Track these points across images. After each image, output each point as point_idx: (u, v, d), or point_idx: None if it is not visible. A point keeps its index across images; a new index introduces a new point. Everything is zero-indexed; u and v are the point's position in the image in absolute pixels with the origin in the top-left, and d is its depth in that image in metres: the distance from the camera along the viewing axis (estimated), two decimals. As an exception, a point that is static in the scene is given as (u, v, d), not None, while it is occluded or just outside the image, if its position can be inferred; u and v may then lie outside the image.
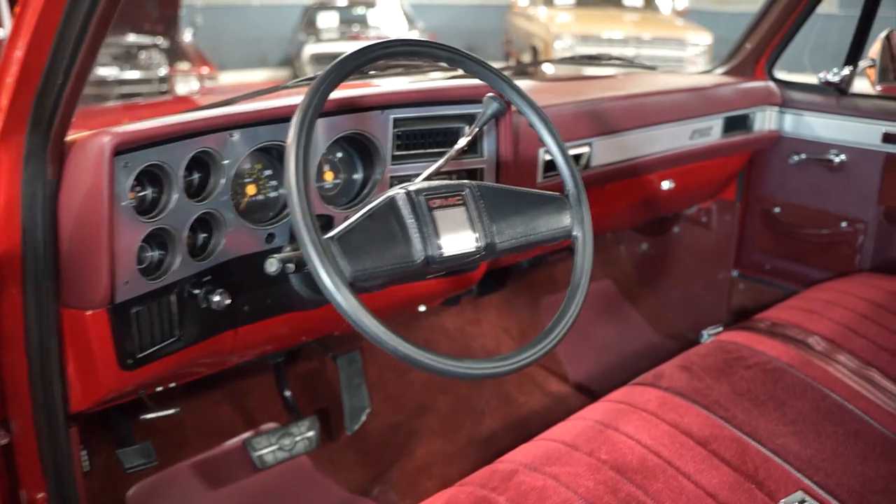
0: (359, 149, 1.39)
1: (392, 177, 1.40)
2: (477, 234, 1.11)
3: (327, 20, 9.84)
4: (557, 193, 1.22)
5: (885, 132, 2.07)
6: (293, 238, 1.29)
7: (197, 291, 1.23)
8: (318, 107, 1.03)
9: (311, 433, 1.80)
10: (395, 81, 1.62)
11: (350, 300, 0.92)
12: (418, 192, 1.08)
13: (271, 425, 1.82)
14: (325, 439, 1.84)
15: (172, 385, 1.43)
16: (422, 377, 2.05)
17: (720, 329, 1.74)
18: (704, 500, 1.14)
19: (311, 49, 9.10)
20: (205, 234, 1.23)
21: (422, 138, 1.44)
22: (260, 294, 1.30)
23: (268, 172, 1.30)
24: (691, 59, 8.63)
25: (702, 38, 8.70)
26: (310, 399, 1.93)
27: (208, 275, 1.24)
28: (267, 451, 1.73)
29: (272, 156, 1.29)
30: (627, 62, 2.33)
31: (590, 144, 1.78)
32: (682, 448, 1.25)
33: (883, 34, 2.14)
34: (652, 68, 2.35)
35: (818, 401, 1.43)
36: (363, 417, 1.87)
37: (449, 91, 1.46)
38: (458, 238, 1.09)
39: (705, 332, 1.73)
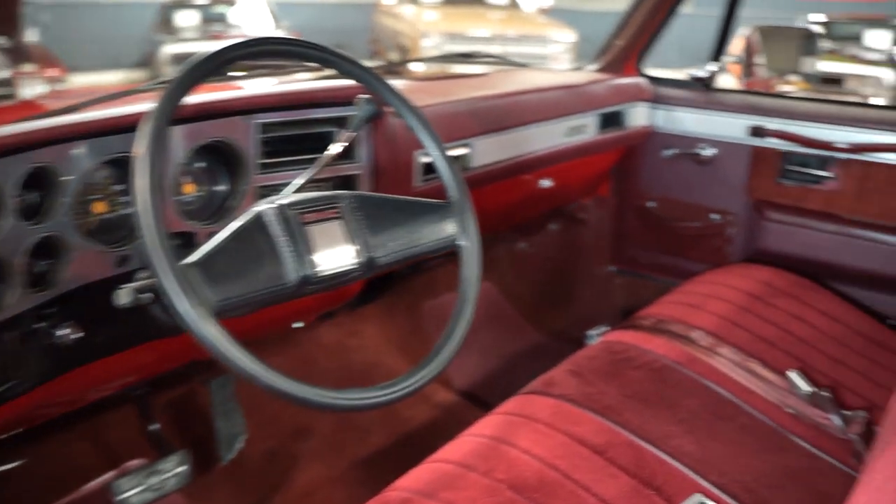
0: (222, 158, 1.27)
1: (260, 187, 1.29)
2: (356, 249, 1.02)
3: (186, 18, 9.44)
4: (440, 201, 1.15)
5: (751, 126, 2.13)
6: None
7: (39, 326, 1.09)
8: (170, 113, 0.91)
9: (181, 468, 1.64)
10: (260, 83, 1.50)
11: (216, 335, 0.81)
12: (290, 205, 0.98)
13: (137, 463, 1.66)
14: (198, 472, 1.69)
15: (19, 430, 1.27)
16: None
17: (606, 329, 1.72)
18: None
19: (169, 49, 8.70)
20: (47, 261, 1.08)
21: (291, 144, 1.34)
22: (115, 324, 1.16)
23: (119, 187, 1.17)
24: (555, 56, 8.83)
25: (565, 36, 8.91)
26: (180, 430, 1.78)
27: (52, 306, 1.09)
28: (133, 493, 1.57)
29: (124, 169, 1.15)
30: (500, 60, 2.30)
31: (469, 145, 1.72)
32: (579, 459, 1.21)
33: (744, 31, 2.20)
34: (524, 65, 2.33)
35: (706, 398, 1.43)
36: (239, 445, 1.74)
37: (319, 93, 1.36)
38: (336, 254, 1.00)
39: (591, 333, 1.72)
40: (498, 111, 1.81)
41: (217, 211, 1.27)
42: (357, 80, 1.16)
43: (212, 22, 9.50)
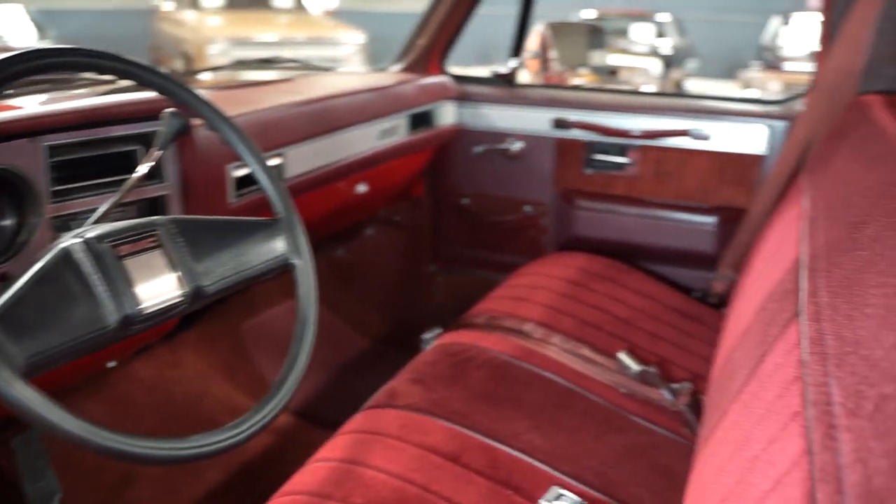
0: (5, 187, 1.11)
1: (54, 217, 1.14)
2: (180, 279, 0.93)
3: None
4: (266, 218, 1.08)
5: (554, 118, 2.20)
6: None
7: None
8: None
9: None
10: (43, 100, 1.33)
11: (30, 398, 0.70)
12: (99, 238, 0.87)
13: None
14: None
15: None
16: None
17: (439, 331, 1.71)
18: None
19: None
20: None
21: (88, 167, 1.20)
22: None
23: None
24: (347, 58, 8.78)
25: (354, 37, 8.89)
26: None
27: None
28: None
29: None
30: (301, 64, 2.22)
31: (282, 155, 1.64)
32: (435, 469, 1.18)
33: (538, 28, 2.27)
34: (329, 69, 2.26)
35: (547, 390, 1.45)
36: None
37: (118, 108, 1.23)
38: (159, 287, 0.90)
39: (426, 337, 1.69)
40: (308, 117, 1.74)
41: (6, 249, 1.11)
42: (161, 92, 1.05)
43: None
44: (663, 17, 11.15)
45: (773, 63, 9.17)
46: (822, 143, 1.75)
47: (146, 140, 1.24)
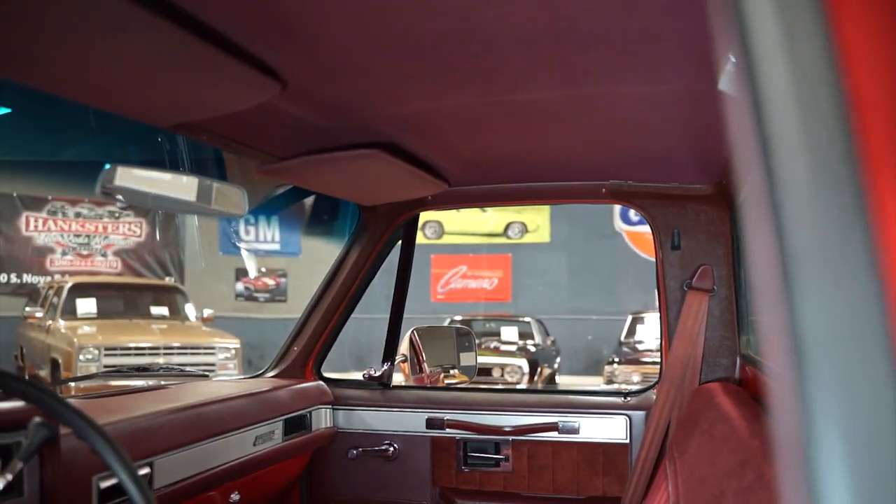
0: None
1: None
2: None
3: None
4: None
5: (428, 418, 2.26)
6: None
7: None
8: None
9: None
10: None
11: None
12: None
13: None
14: None
15: None
16: None
17: None
18: None
19: None
20: None
21: None
22: None
23: None
24: (222, 364, 8.75)
25: (231, 343, 8.95)
26: None
27: None
28: None
29: None
30: (177, 371, 2.23)
31: (151, 465, 1.59)
32: None
33: (408, 333, 2.42)
34: (204, 376, 2.28)
35: None
36: None
37: None
38: None
39: None
40: (181, 424, 1.73)
41: None
42: (28, 400, 1.05)
43: None
44: (526, 319, 11.94)
45: (631, 357, 9.83)
46: (676, 429, 1.88)
47: (6, 452, 1.20)
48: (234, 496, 1.96)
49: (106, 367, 7.39)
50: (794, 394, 0.35)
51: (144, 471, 1.58)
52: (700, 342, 2.02)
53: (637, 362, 9.52)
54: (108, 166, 1.55)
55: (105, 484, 1.43)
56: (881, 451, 0.33)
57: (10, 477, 1.08)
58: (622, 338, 11.03)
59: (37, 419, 1.11)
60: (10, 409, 1.23)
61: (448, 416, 2.25)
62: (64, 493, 1.30)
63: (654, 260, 2.14)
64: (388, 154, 1.76)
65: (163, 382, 2.13)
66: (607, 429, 2.16)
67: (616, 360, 9.80)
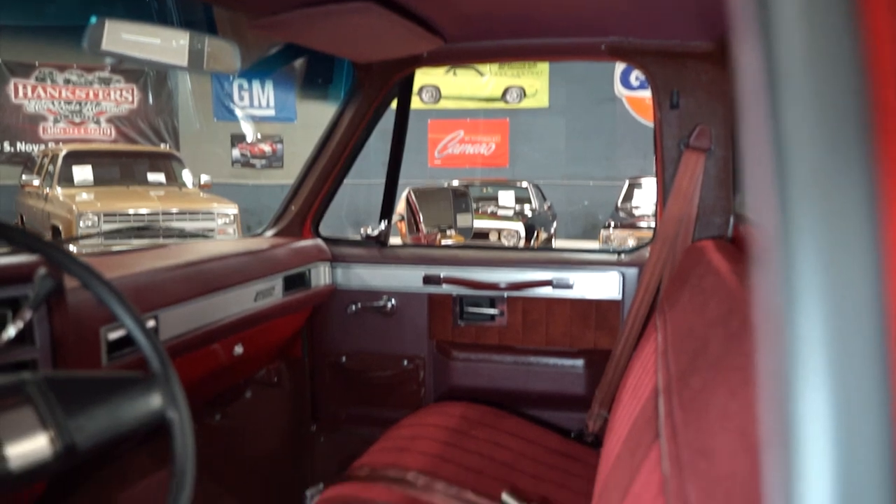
0: None
1: None
2: (51, 437, 0.91)
3: None
4: (141, 373, 1.08)
5: (424, 275, 2.31)
6: None
7: None
8: None
9: None
10: None
11: None
12: None
13: None
14: None
15: None
16: None
17: (321, 487, 1.69)
18: None
19: None
20: None
21: None
22: None
23: None
24: (221, 229, 8.82)
25: (229, 209, 8.98)
26: None
27: None
28: None
29: None
30: (177, 232, 2.26)
31: (156, 318, 1.64)
32: None
33: (404, 193, 2.43)
34: (204, 236, 2.31)
35: None
36: None
37: None
38: (28, 446, 0.88)
39: (309, 493, 1.67)
40: (183, 280, 1.77)
41: None
42: (33, 252, 1.07)
43: None
44: (523, 184, 11.94)
45: (627, 222, 9.91)
46: (667, 285, 1.92)
47: (13, 304, 1.23)
48: (238, 349, 2.03)
49: (106, 233, 7.45)
50: (778, 249, 0.36)
51: (150, 323, 1.63)
52: (695, 201, 2.04)
53: (633, 227, 9.60)
54: (94, 20, 1.51)
55: (113, 335, 1.48)
56: (859, 312, 0.34)
57: (21, 325, 1.11)
58: (619, 203, 11.07)
59: (42, 270, 1.14)
60: (16, 263, 1.26)
61: (444, 272, 2.30)
62: (73, 343, 1.35)
63: (653, 125, 2.12)
64: (381, 7, 1.71)
65: (163, 241, 2.16)
66: (600, 285, 2.21)
67: (612, 224, 9.88)
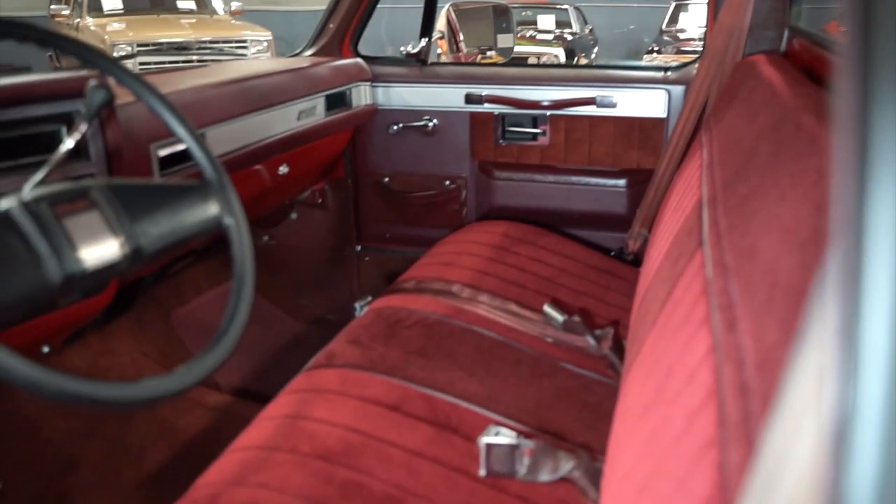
0: None
1: None
2: (120, 240, 0.95)
3: None
4: (198, 182, 1.11)
5: (466, 94, 2.28)
6: None
7: None
8: None
9: None
10: None
11: None
12: (36, 200, 0.89)
13: None
14: None
15: None
16: (60, 429, 1.75)
17: (369, 299, 1.76)
18: (413, 460, 1.14)
19: None
20: None
21: (12, 148, 1.20)
22: None
23: None
24: (255, 57, 8.69)
25: (262, 36, 8.78)
26: None
27: None
28: None
29: None
30: (216, 51, 2.23)
31: (203, 135, 1.66)
32: (377, 418, 1.23)
33: (444, 9, 2.35)
34: (242, 56, 2.28)
35: (478, 342, 1.52)
36: None
37: (38, 87, 1.23)
38: (99, 246, 0.92)
39: (357, 305, 1.75)
40: (228, 98, 1.77)
41: None
42: (85, 62, 1.07)
43: None
44: (564, 6, 11.44)
45: (672, 46, 9.52)
46: (715, 101, 1.88)
47: (68, 119, 1.25)
48: (283, 168, 2.06)
49: (141, 63, 7.39)
50: (857, 70, 0.34)
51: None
52: (748, 13, 1.94)
53: (678, 52, 9.24)
54: None
55: (162, 152, 1.51)
56: None
57: (77, 136, 1.13)
58: (664, 26, 10.59)
59: (93, 82, 1.14)
60: (68, 77, 1.26)
61: (486, 90, 2.26)
62: (126, 158, 1.37)
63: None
64: None
65: (203, 59, 2.14)
66: (645, 103, 2.16)
67: (656, 48, 9.52)
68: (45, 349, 1.47)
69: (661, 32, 10.50)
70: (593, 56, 11.52)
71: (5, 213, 0.86)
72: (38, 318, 1.14)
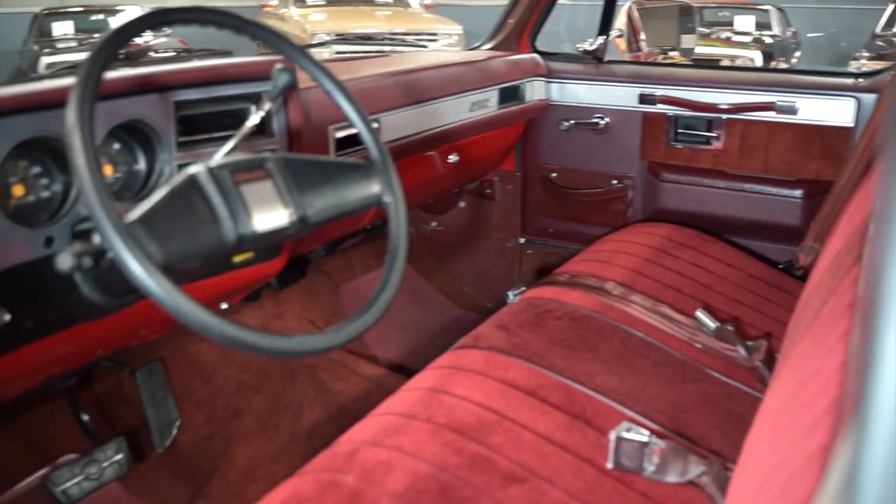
0: (138, 137, 1.27)
1: (179, 165, 1.30)
2: (288, 209, 1.05)
3: (62, 28, 9.06)
4: (363, 161, 1.20)
5: (640, 94, 2.26)
6: (77, 236, 1.16)
7: None
8: (97, 79, 0.92)
9: (119, 456, 1.61)
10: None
11: (165, 285, 0.83)
12: (220, 167, 1.01)
13: (72, 456, 1.63)
14: (135, 461, 1.67)
15: None
16: (232, 380, 1.94)
17: (523, 288, 1.80)
18: (543, 444, 1.17)
19: (48, 60, 8.32)
20: None
21: (206, 122, 1.35)
22: (43, 306, 1.15)
23: (36, 170, 1.15)
24: (442, 50, 8.94)
25: (453, 29, 9.04)
26: (111, 421, 1.75)
27: None
28: (71, 483, 1.53)
29: (39, 150, 1.14)
30: (399, 42, 2.35)
31: (378, 121, 1.77)
32: (513, 400, 1.27)
33: (625, 7, 2.33)
34: (423, 47, 2.39)
35: (624, 340, 1.53)
36: (174, 431, 1.73)
37: (234, 69, 1.38)
38: (270, 213, 1.03)
39: (510, 293, 1.79)
40: (403, 87, 1.87)
41: (139, 191, 1.28)
42: (272, 47, 1.18)
43: (89, 32, 9.13)
44: (765, 7, 10.85)
45: (886, 52, 8.78)
46: None
47: (256, 99, 1.39)
48: (453, 157, 2.14)
49: (337, 52, 7.84)
50: None
51: (373, 125, 1.76)
52: None
53: (892, 58, 8.51)
54: None
55: (339, 135, 1.62)
56: None
57: (262, 114, 1.25)
58: (878, 29, 9.78)
59: (279, 67, 1.26)
60: (258, 62, 1.40)
61: (661, 91, 2.23)
62: (306, 138, 1.50)
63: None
64: None
65: (386, 49, 2.27)
66: (830, 111, 2.05)
67: (865, 54, 8.81)
68: (224, 305, 1.63)
69: (874, 36, 9.71)
70: (794, 61, 10.86)
71: (193, 177, 0.98)
72: (219, 278, 1.28)
